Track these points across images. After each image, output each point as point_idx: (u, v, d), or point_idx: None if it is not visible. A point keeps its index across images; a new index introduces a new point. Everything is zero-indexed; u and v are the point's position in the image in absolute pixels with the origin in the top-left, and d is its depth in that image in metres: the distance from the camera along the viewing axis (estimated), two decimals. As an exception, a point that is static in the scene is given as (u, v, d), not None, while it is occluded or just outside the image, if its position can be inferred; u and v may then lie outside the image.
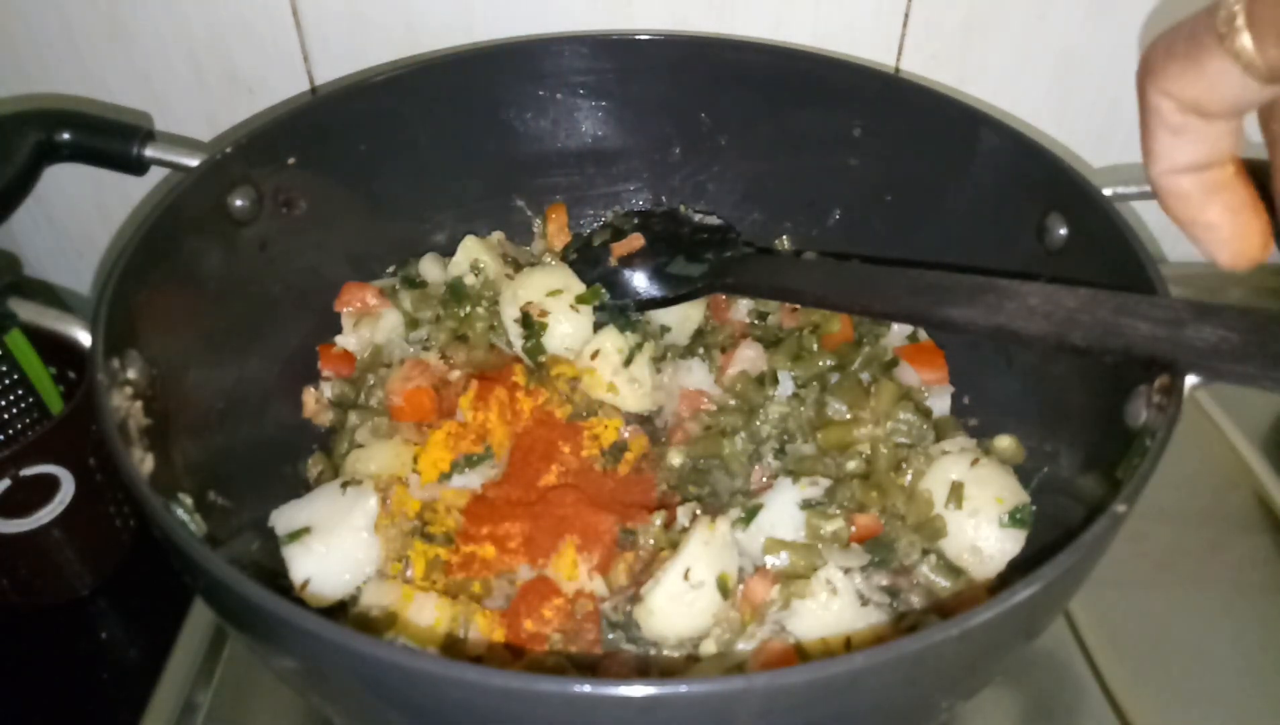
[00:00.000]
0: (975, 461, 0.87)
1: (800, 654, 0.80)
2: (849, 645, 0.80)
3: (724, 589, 0.82)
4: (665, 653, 0.83)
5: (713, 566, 0.82)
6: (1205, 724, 0.88)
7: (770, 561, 0.83)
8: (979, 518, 0.85)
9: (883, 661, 0.52)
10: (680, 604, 0.81)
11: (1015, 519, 0.85)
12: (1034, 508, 0.85)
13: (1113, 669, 0.90)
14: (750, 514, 0.86)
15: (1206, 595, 0.97)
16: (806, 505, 0.86)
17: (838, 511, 0.86)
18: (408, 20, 1.11)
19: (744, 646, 0.81)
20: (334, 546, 0.85)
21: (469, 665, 0.53)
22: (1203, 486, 1.07)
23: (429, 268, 1.07)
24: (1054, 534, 0.81)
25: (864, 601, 0.82)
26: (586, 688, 0.51)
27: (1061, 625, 0.93)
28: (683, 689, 0.51)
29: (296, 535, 0.85)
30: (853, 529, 0.86)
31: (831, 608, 0.81)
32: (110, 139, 0.89)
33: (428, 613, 0.82)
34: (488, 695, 0.53)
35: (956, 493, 0.86)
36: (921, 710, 0.66)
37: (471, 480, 0.93)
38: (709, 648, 0.82)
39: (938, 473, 0.88)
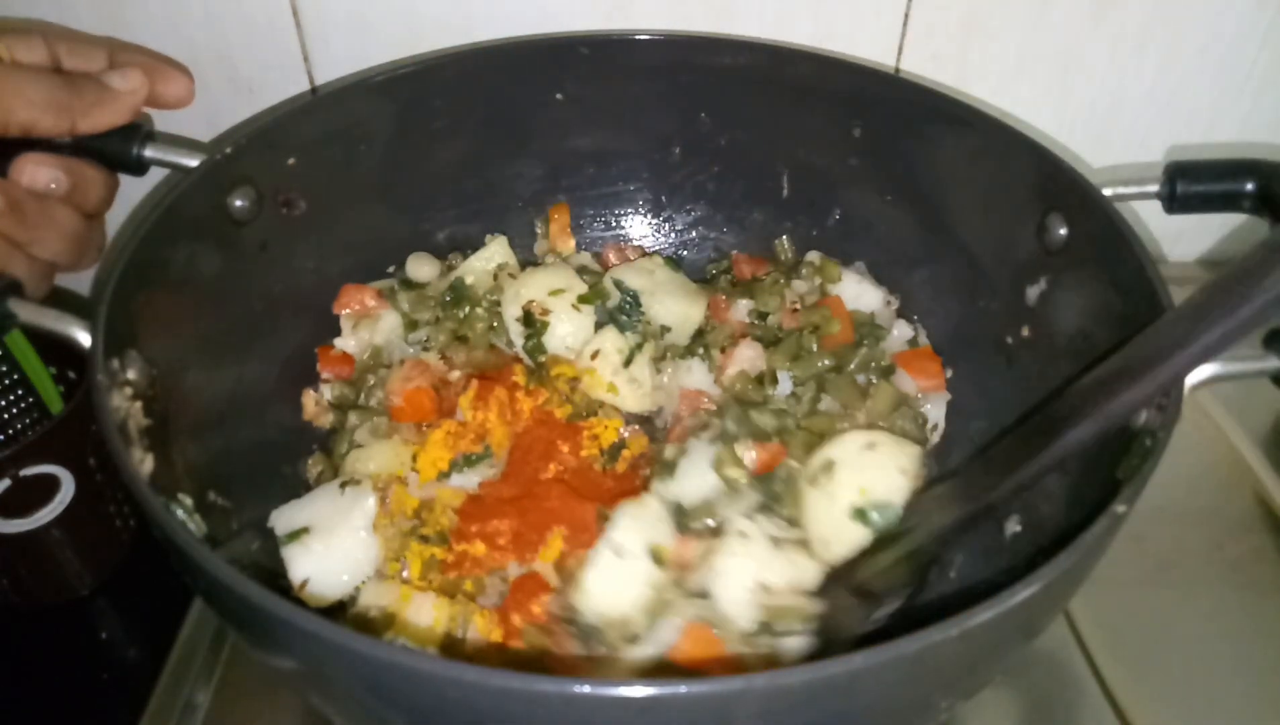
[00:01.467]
0: (873, 445, 0.85)
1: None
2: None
3: (658, 558, 0.81)
4: (608, 636, 0.81)
5: (643, 537, 0.82)
6: (1205, 724, 0.88)
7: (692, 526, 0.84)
8: (833, 499, 0.83)
9: (881, 662, 0.52)
10: (615, 581, 0.80)
11: (862, 514, 0.82)
12: (899, 513, 0.82)
13: (1113, 669, 0.90)
14: (668, 468, 0.87)
15: (1206, 595, 0.97)
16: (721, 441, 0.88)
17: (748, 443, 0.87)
18: (408, 20, 1.11)
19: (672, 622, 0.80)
20: (333, 546, 0.85)
21: (468, 665, 0.53)
22: (1203, 486, 1.07)
23: (417, 267, 1.07)
24: (1054, 534, 0.81)
25: (777, 543, 0.82)
26: (586, 688, 0.51)
27: (1061, 625, 0.93)
28: (682, 689, 0.51)
29: (295, 535, 0.85)
30: (754, 456, 0.86)
31: (752, 554, 0.80)
32: (110, 139, 0.89)
33: (426, 612, 0.82)
34: (486, 695, 0.53)
35: (828, 468, 0.84)
36: (921, 710, 0.65)
37: (470, 480, 0.93)
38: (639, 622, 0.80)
39: (834, 446, 0.87)
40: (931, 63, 1.16)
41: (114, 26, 1.09)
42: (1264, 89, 1.18)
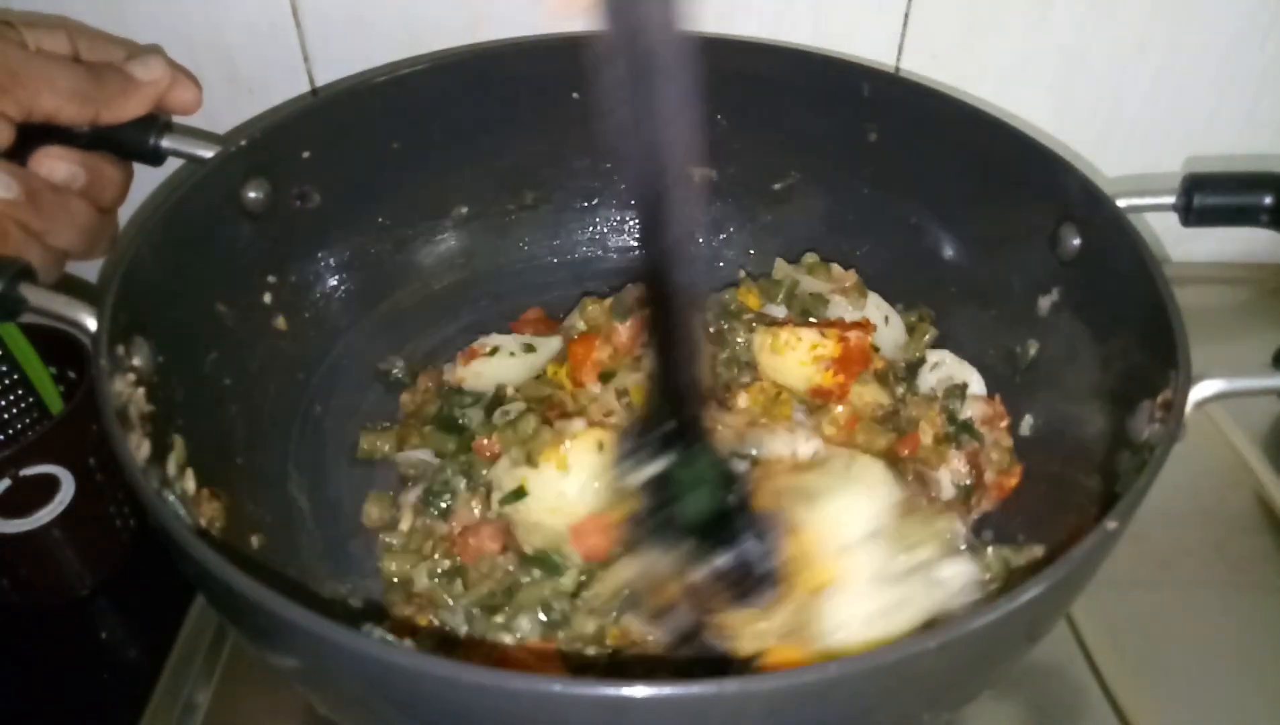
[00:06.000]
0: None
1: None
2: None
3: None
4: None
5: None
6: (1205, 724, 0.88)
7: None
8: None
9: (857, 671, 0.52)
10: None
11: None
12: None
13: (1113, 669, 0.90)
14: None
15: (1207, 596, 0.97)
16: None
17: None
18: (408, 21, 1.11)
19: None
20: None
21: (465, 665, 0.53)
22: (1203, 487, 1.06)
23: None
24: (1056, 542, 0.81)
25: None
26: (557, 687, 0.51)
27: (1062, 626, 0.93)
28: (658, 692, 0.51)
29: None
30: None
31: None
32: (128, 128, 0.90)
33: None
34: (484, 695, 0.53)
35: None
36: (902, 722, 0.65)
37: None
38: None
39: None
40: (931, 63, 1.16)
41: (114, 27, 1.08)
42: (1265, 89, 1.17)
